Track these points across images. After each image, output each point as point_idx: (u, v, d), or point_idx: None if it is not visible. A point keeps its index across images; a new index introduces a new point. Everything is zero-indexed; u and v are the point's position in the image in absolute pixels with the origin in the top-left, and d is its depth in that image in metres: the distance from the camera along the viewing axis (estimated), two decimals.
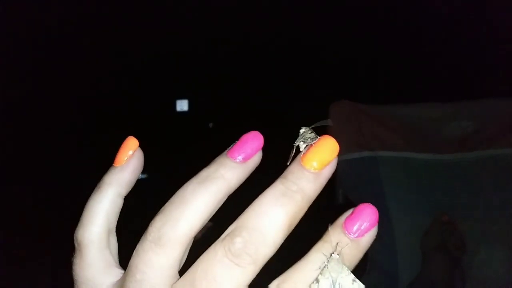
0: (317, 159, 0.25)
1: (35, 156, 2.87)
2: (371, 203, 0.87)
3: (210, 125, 4.09)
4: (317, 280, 0.21)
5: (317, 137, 0.27)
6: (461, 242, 1.19)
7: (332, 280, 0.21)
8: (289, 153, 0.27)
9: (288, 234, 0.22)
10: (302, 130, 0.28)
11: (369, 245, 0.23)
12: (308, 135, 0.28)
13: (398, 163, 1.27)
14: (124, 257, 0.26)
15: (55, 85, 2.99)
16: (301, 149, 0.26)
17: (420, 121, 1.29)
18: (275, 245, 0.21)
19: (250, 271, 0.21)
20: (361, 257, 0.23)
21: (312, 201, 0.23)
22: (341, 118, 1.31)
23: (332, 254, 0.22)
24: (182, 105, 3.82)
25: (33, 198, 2.72)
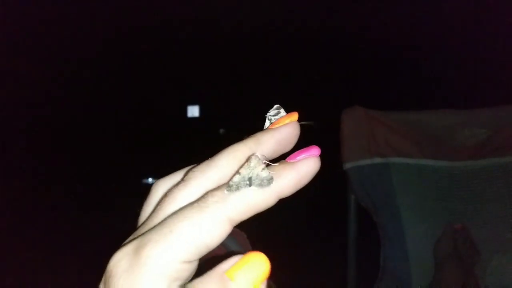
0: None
1: (62, 159, 2.90)
2: (383, 209, 0.89)
3: (221, 131, 4.11)
4: (238, 172, 0.25)
5: (279, 114, 0.29)
6: (474, 250, 1.18)
7: (251, 171, 0.25)
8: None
9: None
10: (274, 107, 0.30)
11: (306, 173, 0.25)
12: (273, 113, 0.29)
13: (411, 170, 1.27)
14: None
15: (72, 91, 3.02)
16: (265, 126, 0.29)
17: (433, 128, 1.28)
18: None
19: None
20: (297, 178, 0.25)
21: None
22: (353, 124, 1.31)
23: (254, 155, 0.26)
24: (193, 111, 3.84)
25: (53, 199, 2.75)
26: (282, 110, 0.30)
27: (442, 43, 1.89)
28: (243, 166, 0.25)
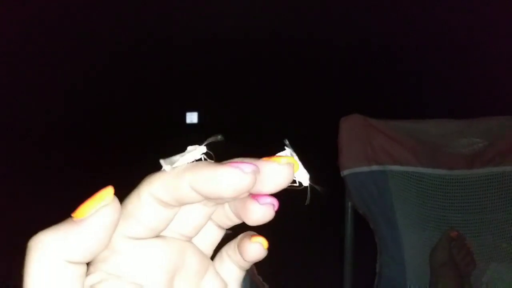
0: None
1: (47, 163, 2.90)
2: (380, 216, 0.90)
3: (219, 137, 4.10)
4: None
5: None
6: (470, 258, 1.19)
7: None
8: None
9: None
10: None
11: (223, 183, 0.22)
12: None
13: (408, 177, 1.28)
14: None
15: (69, 98, 3.03)
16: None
17: (431, 136, 1.30)
18: None
19: None
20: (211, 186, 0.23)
21: None
22: (351, 132, 1.32)
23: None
24: (192, 117, 3.86)
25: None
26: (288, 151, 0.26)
27: (443, 51, 1.91)
28: None
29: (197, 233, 0.27)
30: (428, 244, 1.23)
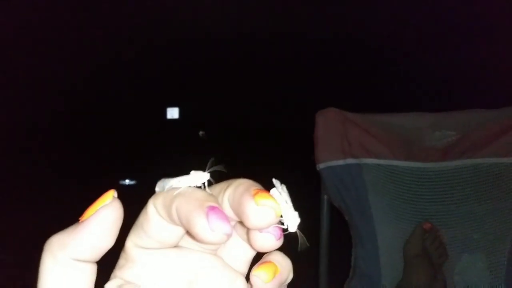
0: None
1: (21, 159, 2.85)
2: (355, 209, 0.90)
3: (201, 133, 4.10)
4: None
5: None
6: (442, 250, 1.21)
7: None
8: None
9: None
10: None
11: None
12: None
13: (383, 170, 1.29)
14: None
15: (44, 91, 2.98)
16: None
17: (405, 130, 1.31)
18: None
19: None
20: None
21: None
22: (327, 126, 1.33)
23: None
24: (173, 113, 3.83)
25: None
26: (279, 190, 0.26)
27: (418, 45, 1.93)
28: None
29: (218, 246, 0.27)
30: (402, 236, 1.24)
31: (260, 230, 0.24)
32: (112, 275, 0.25)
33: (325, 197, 1.33)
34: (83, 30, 2.81)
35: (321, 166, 1.30)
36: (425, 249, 1.19)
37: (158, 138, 3.75)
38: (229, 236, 0.22)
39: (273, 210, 0.22)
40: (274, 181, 0.26)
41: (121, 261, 0.25)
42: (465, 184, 1.24)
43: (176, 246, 0.26)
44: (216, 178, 0.26)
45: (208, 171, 0.26)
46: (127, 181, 3.17)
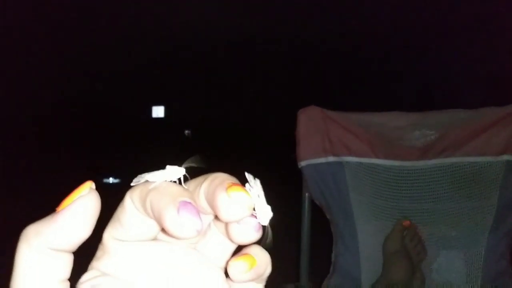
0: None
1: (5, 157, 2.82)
2: (336, 207, 0.92)
3: (186, 132, 4.09)
4: None
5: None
6: (421, 246, 1.23)
7: None
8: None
9: None
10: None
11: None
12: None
13: (364, 169, 1.31)
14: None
15: (28, 88, 2.95)
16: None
17: (386, 129, 1.32)
18: None
19: None
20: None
21: None
22: (309, 124, 1.34)
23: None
24: (158, 112, 3.82)
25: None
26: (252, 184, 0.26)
27: (400, 46, 1.95)
28: None
29: (198, 240, 0.27)
30: (381, 233, 1.26)
31: (238, 222, 0.24)
32: (90, 267, 0.25)
33: (307, 194, 1.34)
34: (69, 28, 2.79)
35: (302, 164, 1.31)
36: (404, 246, 1.21)
37: (143, 136, 3.73)
38: (199, 232, 0.22)
39: (244, 203, 0.23)
40: (247, 175, 0.26)
41: (98, 253, 0.25)
42: (443, 183, 1.26)
43: (154, 239, 0.26)
44: (197, 175, 0.26)
45: (184, 166, 0.26)
46: (111, 179, 3.16)
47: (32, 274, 0.22)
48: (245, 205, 0.23)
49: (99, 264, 0.25)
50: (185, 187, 0.25)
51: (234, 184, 0.23)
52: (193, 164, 0.27)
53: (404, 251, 1.20)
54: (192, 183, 0.25)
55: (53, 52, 2.95)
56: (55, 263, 0.22)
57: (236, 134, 3.45)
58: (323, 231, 1.33)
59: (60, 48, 2.96)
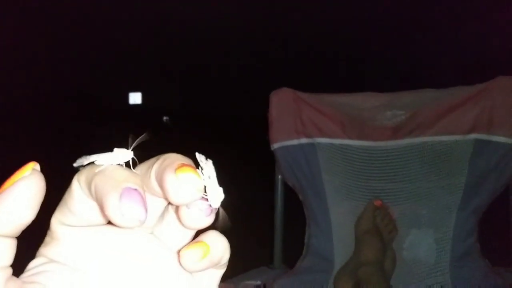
0: None
1: None
2: (309, 188, 0.92)
3: (165, 118, 4.05)
4: None
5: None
6: (392, 226, 1.24)
7: None
8: None
9: None
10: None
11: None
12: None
13: (336, 149, 1.31)
14: None
15: (7, 77, 2.88)
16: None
17: (357, 110, 1.33)
18: None
19: None
20: None
21: None
22: (281, 106, 1.34)
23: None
24: (135, 98, 3.77)
25: None
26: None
27: (373, 26, 1.96)
28: None
29: (153, 224, 0.25)
30: (354, 213, 1.27)
31: (187, 206, 0.23)
32: (38, 253, 0.24)
33: (279, 176, 1.34)
34: (42, 15, 2.72)
35: (275, 146, 1.31)
36: (375, 225, 1.22)
37: (121, 123, 3.68)
38: (142, 222, 0.21)
39: (193, 183, 0.21)
40: (198, 155, 0.25)
41: (46, 239, 0.24)
42: (414, 162, 1.28)
43: (106, 225, 0.24)
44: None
45: (131, 148, 0.25)
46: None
47: None
48: (195, 186, 0.21)
49: (47, 251, 0.24)
50: (137, 170, 0.24)
51: (184, 164, 0.22)
52: (140, 141, 0.25)
53: (375, 230, 1.22)
54: (145, 165, 0.24)
55: (24, 40, 2.88)
56: None
57: (213, 118, 3.44)
58: (296, 213, 1.33)
59: (32, 35, 2.89)
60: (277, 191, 1.34)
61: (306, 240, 1.30)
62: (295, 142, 1.31)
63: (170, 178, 0.21)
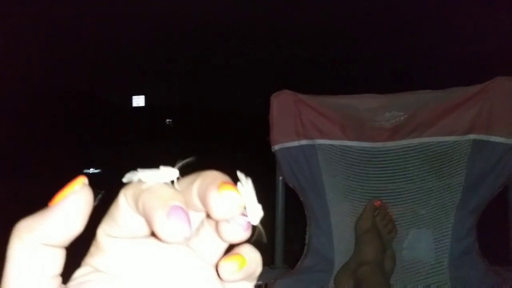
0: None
1: None
2: (309, 189, 0.94)
3: (168, 121, 4.08)
4: None
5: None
6: (392, 225, 1.26)
7: None
8: None
9: None
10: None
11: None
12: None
13: (336, 151, 1.33)
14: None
15: (14, 79, 2.91)
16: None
17: (357, 111, 1.35)
18: None
19: None
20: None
21: None
22: (282, 108, 1.35)
23: None
24: (139, 101, 3.80)
25: None
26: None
27: (371, 29, 1.97)
28: None
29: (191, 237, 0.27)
30: (354, 213, 1.28)
31: (227, 221, 0.24)
32: (83, 263, 0.25)
33: (280, 178, 1.36)
34: (47, 17, 2.75)
35: (276, 147, 1.33)
36: (375, 225, 1.24)
37: (124, 126, 3.71)
38: (187, 238, 0.22)
39: (235, 200, 0.23)
40: (239, 174, 0.26)
41: (92, 249, 0.26)
42: (413, 162, 1.29)
43: (147, 236, 0.26)
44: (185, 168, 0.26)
45: (177, 167, 0.26)
46: (91, 170, 3.14)
47: (24, 270, 0.22)
48: (236, 203, 0.23)
49: (92, 260, 0.25)
50: (178, 185, 0.25)
51: (225, 182, 0.23)
52: (186, 163, 0.27)
53: (375, 230, 1.23)
54: (185, 181, 0.25)
55: (30, 42, 2.91)
56: (47, 258, 0.22)
57: (216, 121, 3.46)
58: (297, 214, 1.35)
59: (37, 37, 2.92)
60: (278, 192, 1.36)
61: (307, 240, 1.32)
62: (295, 143, 1.33)
63: (214, 195, 0.23)
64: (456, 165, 1.26)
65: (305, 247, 1.31)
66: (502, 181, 1.24)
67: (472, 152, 1.25)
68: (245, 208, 0.24)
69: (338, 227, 1.30)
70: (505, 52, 1.63)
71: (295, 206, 1.35)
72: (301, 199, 1.33)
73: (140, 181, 0.25)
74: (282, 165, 1.33)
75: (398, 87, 1.41)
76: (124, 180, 0.26)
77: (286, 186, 1.35)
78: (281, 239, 1.35)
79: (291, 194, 1.36)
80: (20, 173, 2.92)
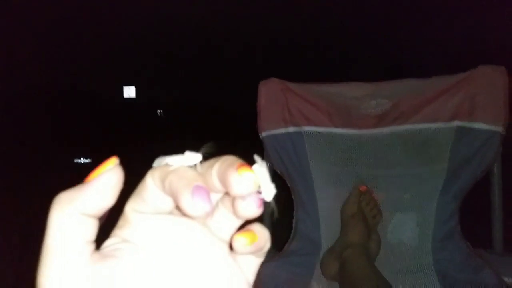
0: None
1: None
2: (297, 175, 0.98)
3: (159, 112, 4.09)
4: None
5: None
6: (377, 210, 1.28)
7: None
8: None
9: None
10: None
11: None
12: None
13: (322, 138, 1.35)
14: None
15: (3, 70, 2.89)
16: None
17: (343, 99, 1.37)
18: None
19: None
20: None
21: None
22: (269, 96, 1.37)
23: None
24: (130, 92, 3.79)
25: None
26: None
27: (359, 16, 1.99)
28: None
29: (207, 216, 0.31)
30: (340, 198, 1.31)
31: (242, 198, 0.27)
32: (112, 234, 0.29)
33: (268, 164, 1.38)
34: (37, 10, 2.73)
35: (263, 134, 1.35)
36: (360, 210, 1.26)
37: (115, 117, 3.70)
38: (208, 213, 0.26)
39: (252, 179, 0.26)
40: (256, 157, 0.29)
41: (120, 222, 0.29)
42: (397, 149, 1.32)
43: (170, 213, 0.29)
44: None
45: (201, 153, 0.29)
46: (82, 160, 3.15)
47: (63, 235, 0.25)
48: (253, 181, 0.26)
49: (121, 232, 0.29)
50: (199, 168, 0.29)
51: (243, 164, 0.27)
52: (209, 149, 0.30)
53: (360, 215, 1.26)
54: (205, 164, 0.29)
55: (20, 34, 2.89)
56: (84, 227, 0.26)
57: (207, 111, 3.47)
58: (285, 199, 1.37)
59: (27, 30, 2.90)
60: None
61: (294, 224, 1.34)
62: (283, 130, 1.35)
63: (233, 175, 0.26)
64: (440, 151, 1.29)
65: (292, 231, 1.34)
66: (484, 167, 1.27)
67: (456, 138, 1.28)
68: (259, 187, 0.27)
69: (324, 212, 1.33)
70: (495, 43, 1.66)
71: (282, 191, 1.38)
72: (288, 184, 1.36)
73: (166, 164, 0.29)
74: (269, 151, 1.36)
75: (386, 76, 1.43)
76: (155, 164, 0.30)
77: (274, 172, 1.37)
78: (268, 222, 1.38)
79: (278, 179, 1.38)
80: (10, 163, 2.91)
